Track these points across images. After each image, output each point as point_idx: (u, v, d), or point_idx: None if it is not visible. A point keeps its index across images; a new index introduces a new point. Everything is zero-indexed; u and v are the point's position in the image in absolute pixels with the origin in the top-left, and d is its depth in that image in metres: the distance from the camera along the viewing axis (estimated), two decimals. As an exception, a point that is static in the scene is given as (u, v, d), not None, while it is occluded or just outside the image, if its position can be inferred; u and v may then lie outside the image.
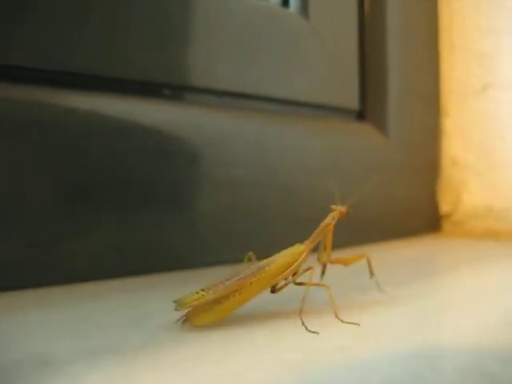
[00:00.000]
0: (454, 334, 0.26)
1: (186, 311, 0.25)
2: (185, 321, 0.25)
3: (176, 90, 0.42)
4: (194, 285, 0.26)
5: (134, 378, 0.20)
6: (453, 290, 0.36)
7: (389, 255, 0.48)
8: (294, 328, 0.25)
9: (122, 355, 0.22)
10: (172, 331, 0.25)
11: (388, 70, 0.56)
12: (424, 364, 0.21)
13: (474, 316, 0.29)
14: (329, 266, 0.29)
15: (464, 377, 0.20)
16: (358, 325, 0.26)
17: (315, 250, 0.29)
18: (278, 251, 0.28)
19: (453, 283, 0.38)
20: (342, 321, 0.26)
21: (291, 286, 0.28)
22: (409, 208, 0.58)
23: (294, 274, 0.28)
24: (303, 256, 0.27)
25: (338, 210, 0.29)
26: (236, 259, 0.31)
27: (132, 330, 0.25)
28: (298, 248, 0.28)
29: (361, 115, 0.56)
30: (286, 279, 0.27)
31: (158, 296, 0.32)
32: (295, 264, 0.27)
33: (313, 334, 0.24)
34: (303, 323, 0.25)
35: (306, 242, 0.28)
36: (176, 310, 0.25)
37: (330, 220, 0.29)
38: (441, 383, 0.20)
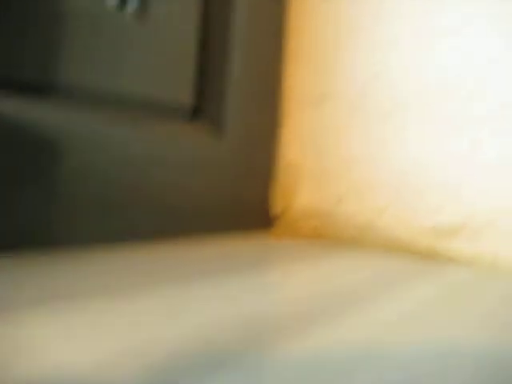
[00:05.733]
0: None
1: None
2: None
3: None
4: None
5: None
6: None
7: (207, 250, 0.50)
8: None
9: None
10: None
11: (229, 73, 0.58)
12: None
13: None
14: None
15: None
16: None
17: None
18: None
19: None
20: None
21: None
22: (242, 208, 0.61)
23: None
24: None
25: None
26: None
27: None
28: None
29: (197, 114, 0.58)
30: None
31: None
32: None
33: None
34: None
35: None
36: None
37: None
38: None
